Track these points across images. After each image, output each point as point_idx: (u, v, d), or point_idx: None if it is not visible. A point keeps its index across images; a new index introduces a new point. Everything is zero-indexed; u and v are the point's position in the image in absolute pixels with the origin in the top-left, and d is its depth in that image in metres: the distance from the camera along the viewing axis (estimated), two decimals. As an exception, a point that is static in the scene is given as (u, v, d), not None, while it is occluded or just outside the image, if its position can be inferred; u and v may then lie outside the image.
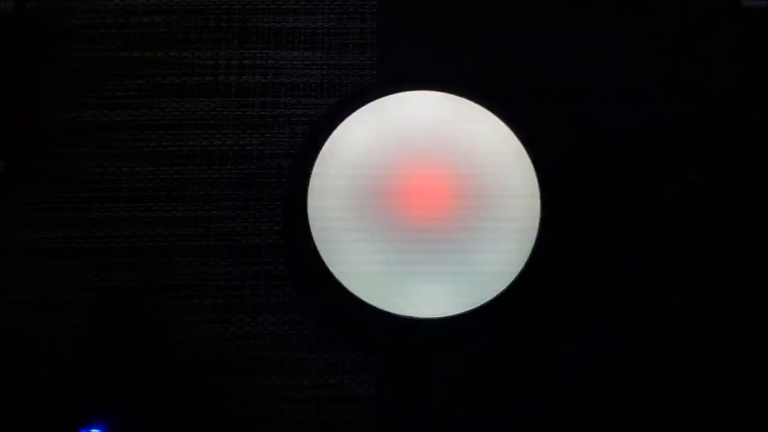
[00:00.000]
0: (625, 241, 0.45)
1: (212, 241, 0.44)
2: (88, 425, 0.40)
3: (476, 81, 0.44)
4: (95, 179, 0.45)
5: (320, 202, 0.40)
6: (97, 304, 0.43)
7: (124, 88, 0.46)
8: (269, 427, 0.42)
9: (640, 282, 0.44)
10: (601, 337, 0.44)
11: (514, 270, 0.38)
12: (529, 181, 0.39)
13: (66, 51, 0.46)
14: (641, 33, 0.48)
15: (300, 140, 0.45)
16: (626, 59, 0.48)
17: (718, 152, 0.46)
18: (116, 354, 0.42)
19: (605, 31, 0.48)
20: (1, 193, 0.44)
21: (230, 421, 0.42)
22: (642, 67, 0.48)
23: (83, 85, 0.46)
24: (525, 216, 0.39)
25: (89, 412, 0.41)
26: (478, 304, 0.37)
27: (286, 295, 0.44)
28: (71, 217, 0.44)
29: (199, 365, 0.42)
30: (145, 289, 0.43)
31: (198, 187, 0.45)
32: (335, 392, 0.42)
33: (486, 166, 0.40)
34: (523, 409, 0.43)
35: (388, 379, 0.43)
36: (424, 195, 0.39)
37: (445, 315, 0.37)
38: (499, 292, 0.38)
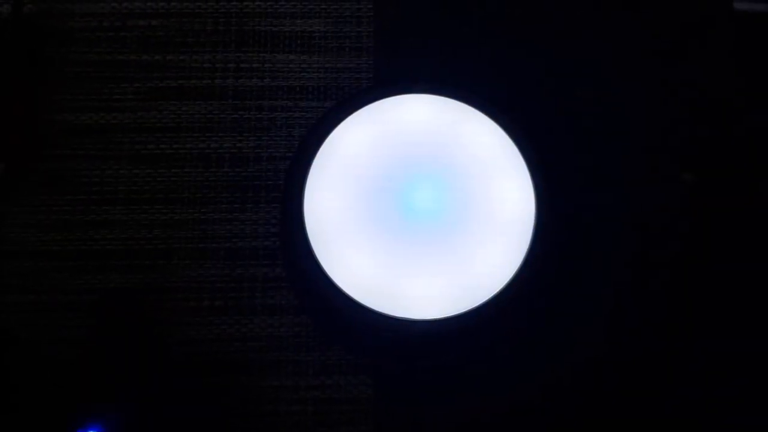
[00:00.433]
0: (619, 243, 0.45)
1: (210, 244, 0.44)
2: (86, 426, 0.40)
3: (471, 84, 0.44)
4: (93, 181, 0.45)
5: (317, 204, 0.40)
6: (95, 306, 0.43)
7: (122, 90, 0.46)
8: (266, 428, 0.42)
9: (635, 284, 0.44)
10: (594, 338, 0.44)
11: (509, 272, 0.38)
12: (524, 184, 0.39)
13: (64, 54, 0.46)
14: (635, 36, 0.48)
15: (297, 143, 0.45)
16: (621, 63, 0.48)
17: (712, 153, 0.47)
18: (114, 355, 0.42)
19: (600, 36, 0.48)
20: (0, 195, 0.44)
21: (228, 421, 0.42)
22: (636, 70, 0.48)
23: (81, 88, 0.46)
24: (519, 219, 0.39)
25: (87, 412, 0.41)
26: (474, 306, 0.38)
27: (282, 297, 0.44)
28: (69, 219, 0.44)
29: (196, 366, 0.43)
30: (143, 290, 0.43)
31: (195, 190, 0.45)
32: (332, 393, 0.43)
33: (480, 168, 0.40)
34: (518, 408, 0.43)
35: (384, 380, 0.43)
36: (420, 198, 0.39)
37: (441, 316, 0.37)
38: (494, 294, 0.38)
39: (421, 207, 0.39)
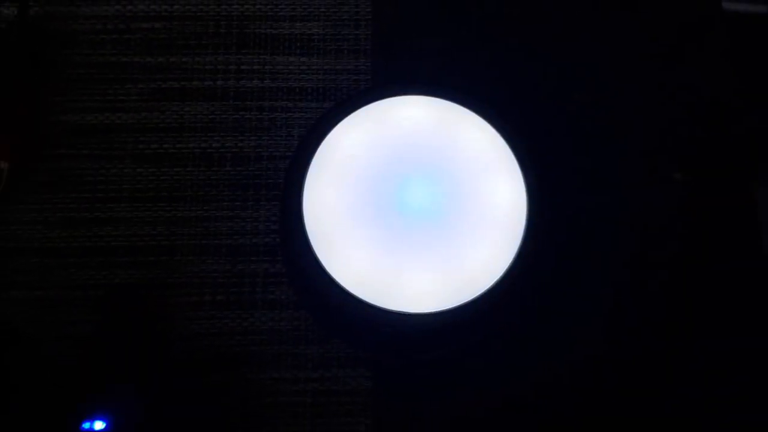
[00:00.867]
0: (614, 242, 0.46)
1: (211, 240, 0.45)
2: (92, 418, 0.41)
3: (466, 86, 0.45)
4: (98, 180, 0.46)
5: (316, 202, 0.40)
6: (100, 301, 0.44)
7: (126, 91, 0.47)
8: (266, 419, 0.43)
9: (631, 282, 0.45)
10: (590, 334, 0.45)
11: (502, 267, 0.39)
12: (516, 183, 0.40)
13: (68, 56, 0.47)
14: (631, 39, 0.49)
15: (296, 142, 0.46)
16: (617, 65, 0.49)
17: (708, 154, 0.48)
18: (119, 349, 0.42)
19: (596, 38, 0.49)
20: (6, 193, 0.45)
21: (229, 413, 0.43)
22: (632, 72, 0.49)
23: (86, 89, 0.47)
24: (512, 215, 0.40)
25: (92, 405, 0.41)
26: (469, 299, 0.38)
27: (282, 292, 0.45)
28: (75, 216, 0.45)
29: (198, 359, 0.43)
30: (146, 286, 0.44)
31: (198, 188, 0.46)
32: (330, 385, 0.43)
33: (474, 168, 0.41)
34: (514, 401, 0.43)
35: (382, 373, 0.44)
36: (416, 195, 0.40)
37: (436, 310, 0.38)
38: (488, 287, 0.39)
39: (417, 204, 0.40)
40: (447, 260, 0.39)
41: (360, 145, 0.41)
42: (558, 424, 0.43)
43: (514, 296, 0.40)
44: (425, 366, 0.44)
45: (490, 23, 0.49)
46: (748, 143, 0.48)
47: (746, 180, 0.47)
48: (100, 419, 0.40)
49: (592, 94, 0.48)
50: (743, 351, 0.44)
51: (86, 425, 0.39)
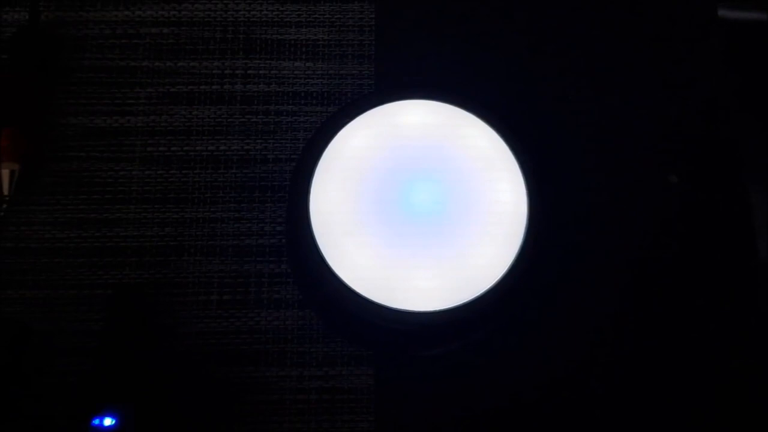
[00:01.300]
0: (609, 238, 0.47)
1: (218, 241, 0.46)
2: (101, 415, 0.41)
3: (468, 90, 0.46)
4: (107, 182, 0.47)
5: (321, 203, 0.41)
6: (108, 300, 0.44)
7: (135, 95, 0.48)
8: (272, 416, 0.43)
9: (626, 277, 0.46)
10: (587, 328, 0.45)
11: (504, 266, 0.40)
12: (517, 183, 0.41)
13: (79, 60, 0.48)
14: (629, 43, 0.50)
15: (302, 145, 0.47)
16: (614, 68, 0.50)
17: (698, 156, 0.48)
18: (127, 347, 0.43)
19: (593, 42, 0.50)
20: (17, 194, 0.45)
21: (235, 410, 0.43)
22: (628, 74, 0.49)
23: (96, 93, 0.48)
24: (513, 215, 0.41)
25: (101, 402, 0.42)
26: (472, 297, 0.39)
27: (287, 292, 0.45)
28: (84, 217, 0.46)
29: (205, 357, 0.44)
30: (154, 285, 0.45)
31: (205, 190, 0.47)
32: (335, 383, 0.44)
33: (476, 169, 0.41)
34: (517, 398, 0.44)
35: (385, 371, 0.44)
36: (419, 196, 0.41)
37: (440, 308, 0.39)
38: (490, 286, 0.39)
39: (420, 205, 0.41)
40: (450, 260, 0.40)
41: (364, 147, 0.42)
42: (560, 422, 0.44)
43: (515, 295, 0.41)
44: (428, 364, 0.45)
45: (492, 29, 0.50)
46: (744, 147, 0.48)
47: (741, 183, 0.48)
48: (109, 416, 0.40)
49: (591, 97, 0.49)
50: (740, 351, 0.45)
51: (96, 421, 0.40)
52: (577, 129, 0.48)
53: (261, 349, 0.44)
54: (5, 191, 0.45)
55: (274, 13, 0.50)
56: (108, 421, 0.40)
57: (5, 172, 0.45)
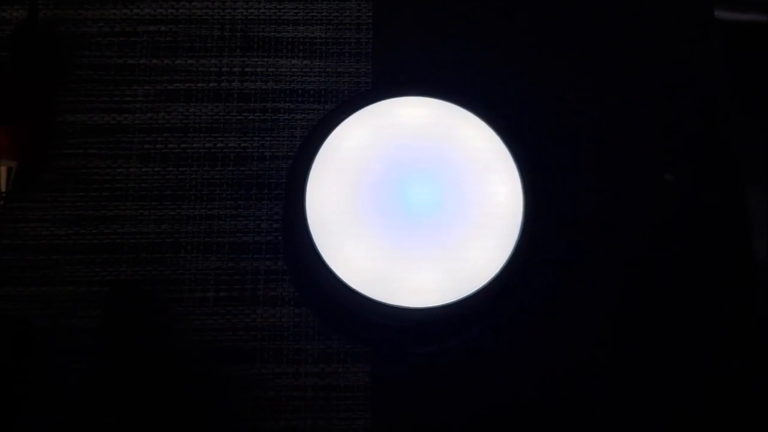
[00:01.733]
0: (604, 236, 0.47)
1: (215, 238, 0.46)
2: (99, 409, 0.41)
3: (465, 87, 0.46)
4: (105, 179, 0.47)
5: (318, 201, 0.41)
6: (106, 297, 0.45)
7: (133, 93, 0.48)
8: (268, 413, 0.44)
9: (621, 275, 0.46)
10: (583, 327, 0.45)
11: (500, 263, 0.40)
12: (513, 181, 0.41)
13: (77, 58, 0.48)
14: (626, 42, 0.50)
15: (299, 143, 0.47)
16: (611, 67, 0.50)
17: (694, 156, 0.48)
18: (124, 343, 0.43)
19: (591, 41, 0.50)
20: (14, 191, 0.45)
21: (231, 407, 0.44)
22: (626, 74, 0.50)
23: (93, 90, 0.48)
24: (509, 213, 0.41)
25: (98, 396, 0.42)
26: (468, 294, 0.39)
27: (283, 289, 0.46)
28: (82, 214, 0.46)
29: (202, 354, 0.44)
30: (151, 282, 0.45)
31: (202, 187, 0.47)
32: (331, 380, 0.44)
33: (473, 166, 0.42)
34: (514, 396, 0.44)
35: (381, 369, 0.44)
36: (416, 193, 0.41)
37: (436, 304, 0.39)
38: (486, 282, 0.40)
39: (416, 202, 0.41)
40: (446, 256, 0.40)
41: (361, 144, 0.42)
42: (557, 420, 0.44)
43: (511, 292, 0.41)
44: (425, 361, 0.45)
45: (489, 27, 0.50)
46: (742, 148, 0.49)
47: (739, 184, 0.48)
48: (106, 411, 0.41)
49: (589, 96, 0.49)
50: (738, 352, 0.45)
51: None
52: (575, 128, 0.49)
53: (257, 346, 0.45)
54: (3, 188, 0.45)
55: (272, 10, 0.50)
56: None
57: (2, 169, 0.45)
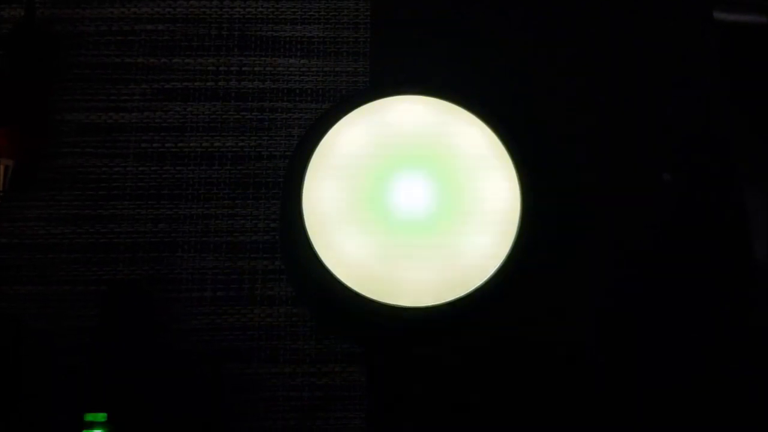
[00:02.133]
0: (599, 237, 0.47)
1: (212, 238, 0.46)
2: (94, 409, 0.41)
3: (460, 87, 0.46)
4: (102, 178, 0.47)
5: (315, 200, 0.41)
6: (103, 296, 0.44)
7: (130, 92, 0.48)
8: (264, 412, 0.44)
9: (620, 275, 0.46)
10: (578, 327, 0.45)
11: (496, 263, 0.40)
12: (511, 181, 0.41)
13: (74, 57, 0.48)
14: (624, 44, 0.50)
15: (296, 142, 0.47)
16: (609, 68, 0.50)
17: (692, 155, 0.48)
18: (121, 342, 0.43)
19: (589, 42, 0.50)
20: (11, 190, 0.45)
21: (227, 405, 0.44)
22: (623, 75, 0.50)
23: (91, 89, 0.48)
24: (506, 213, 0.41)
25: (95, 397, 0.42)
26: (464, 293, 0.39)
27: (280, 289, 0.45)
28: (79, 213, 0.46)
29: (199, 353, 0.44)
30: (149, 281, 0.45)
31: (199, 186, 0.47)
32: (327, 380, 0.44)
33: (470, 165, 0.42)
34: (506, 393, 0.44)
35: (376, 368, 0.44)
36: (413, 192, 0.41)
37: (432, 304, 0.39)
38: (482, 282, 0.40)
39: (413, 201, 0.41)
40: (443, 256, 0.40)
41: (358, 143, 0.42)
42: (551, 418, 0.44)
43: (507, 291, 0.41)
44: (420, 361, 0.45)
45: (486, 27, 0.50)
46: (739, 148, 0.48)
47: (736, 184, 0.48)
48: (101, 411, 0.40)
49: (586, 95, 0.49)
50: (736, 351, 0.45)
51: (89, 416, 0.40)
52: (572, 128, 0.48)
53: (254, 345, 0.45)
54: (0, 187, 0.45)
55: (269, 10, 0.50)
56: (100, 417, 0.40)
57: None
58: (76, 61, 0.48)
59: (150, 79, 0.48)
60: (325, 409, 0.44)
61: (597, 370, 0.45)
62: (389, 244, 0.40)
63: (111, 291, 0.45)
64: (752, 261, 0.46)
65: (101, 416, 0.40)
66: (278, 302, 0.45)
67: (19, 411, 0.43)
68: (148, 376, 0.42)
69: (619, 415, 0.44)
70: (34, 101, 0.47)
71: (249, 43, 0.49)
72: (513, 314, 0.45)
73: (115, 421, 0.40)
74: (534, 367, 0.45)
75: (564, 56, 0.50)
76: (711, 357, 0.45)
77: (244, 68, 0.49)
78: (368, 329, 0.43)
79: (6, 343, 0.43)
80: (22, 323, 0.43)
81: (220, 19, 0.49)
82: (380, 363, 0.44)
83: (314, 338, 0.45)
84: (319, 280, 0.41)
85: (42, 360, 0.44)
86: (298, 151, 0.43)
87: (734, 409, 0.44)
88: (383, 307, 0.39)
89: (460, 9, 0.50)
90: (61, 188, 0.46)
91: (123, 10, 0.49)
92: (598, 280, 0.46)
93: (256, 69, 0.49)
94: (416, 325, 0.41)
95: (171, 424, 0.42)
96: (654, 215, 0.47)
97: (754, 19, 0.52)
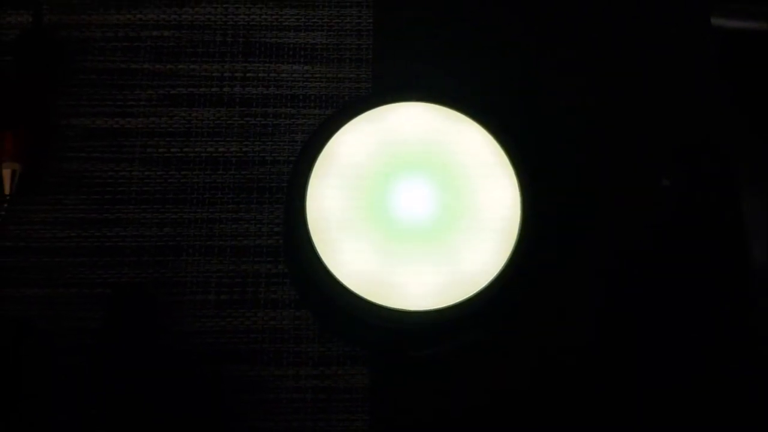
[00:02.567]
0: (601, 241, 0.47)
1: (216, 241, 0.47)
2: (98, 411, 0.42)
3: (464, 93, 0.46)
4: (107, 182, 0.47)
5: (318, 204, 0.42)
6: (108, 299, 0.45)
7: (136, 97, 0.49)
8: (268, 415, 0.44)
9: (620, 280, 0.47)
10: (580, 330, 0.46)
11: (498, 266, 0.40)
12: (511, 186, 0.42)
13: (81, 62, 0.49)
14: (623, 47, 0.51)
15: (299, 147, 0.47)
16: (609, 72, 0.50)
17: (690, 160, 0.49)
18: (126, 345, 0.43)
19: (588, 47, 0.51)
20: (18, 194, 0.46)
21: (231, 408, 0.44)
22: (623, 78, 0.50)
23: (97, 95, 0.49)
24: (507, 217, 0.41)
25: (99, 399, 0.42)
26: (466, 297, 0.40)
27: (284, 292, 0.46)
28: (84, 217, 0.47)
29: (202, 356, 0.45)
30: (153, 284, 0.46)
31: (203, 191, 0.47)
32: (330, 382, 0.45)
33: (471, 171, 0.42)
34: (509, 397, 0.44)
35: (380, 371, 0.45)
36: (415, 198, 0.42)
37: (435, 307, 0.40)
38: (484, 286, 0.40)
39: (415, 206, 0.42)
40: (445, 260, 0.41)
41: (361, 149, 0.43)
42: (553, 421, 0.44)
43: (509, 295, 0.41)
44: (424, 364, 0.45)
45: (489, 33, 0.50)
46: (737, 152, 0.49)
47: (734, 189, 0.48)
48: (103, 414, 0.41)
49: (586, 101, 0.49)
50: (734, 354, 0.45)
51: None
52: (573, 134, 0.49)
53: (257, 348, 0.45)
54: (6, 191, 0.46)
55: (273, 17, 0.50)
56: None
57: (6, 172, 0.46)
58: (82, 66, 0.49)
59: (155, 84, 0.49)
60: (329, 411, 0.44)
61: (597, 370, 0.45)
62: (392, 248, 0.41)
63: (116, 294, 0.45)
64: (751, 264, 0.47)
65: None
66: (282, 305, 0.46)
67: (23, 411, 0.43)
68: (152, 378, 0.43)
69: (619, 415, 0.45)
70: (40, 106, 0.48)
71: (253, 50, 0.50)
72: (514, 316, 0.45)
73: (117, 422, 0.40)
74: (535, 367, 0.45)
75: (565, 64, 0.50)
76: (711, 357, 0.45)
77: (248, 74, 0.49)
78: (371, 332, 0.43)
79: (6, 343, 0.43)
80: (24, 324, 0.43)
81: (224, 25, 0.50)
82: (383, 366, 0.45)
83: (317, 341, 0.45)
84: (322, 284, 0.41)
85: (47, 362, 0.44)
86: (301, 157, 0.43)
87: (734, 409, 0.44)
88: (385, 310, 0.40)
89: (462, 17, 0.51)
90: (67, 192, 0.47)
91: (129, 17, 0.50)
92: (599, 282, 0.47)
93: (260, 75, 0.49)
94: (418, 328, 0.41)
95: (174, 425, 0.42)
96: (654, 217, 0.48)
97: (751, 26, 0.53)
